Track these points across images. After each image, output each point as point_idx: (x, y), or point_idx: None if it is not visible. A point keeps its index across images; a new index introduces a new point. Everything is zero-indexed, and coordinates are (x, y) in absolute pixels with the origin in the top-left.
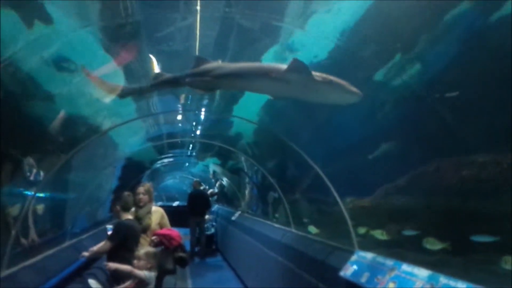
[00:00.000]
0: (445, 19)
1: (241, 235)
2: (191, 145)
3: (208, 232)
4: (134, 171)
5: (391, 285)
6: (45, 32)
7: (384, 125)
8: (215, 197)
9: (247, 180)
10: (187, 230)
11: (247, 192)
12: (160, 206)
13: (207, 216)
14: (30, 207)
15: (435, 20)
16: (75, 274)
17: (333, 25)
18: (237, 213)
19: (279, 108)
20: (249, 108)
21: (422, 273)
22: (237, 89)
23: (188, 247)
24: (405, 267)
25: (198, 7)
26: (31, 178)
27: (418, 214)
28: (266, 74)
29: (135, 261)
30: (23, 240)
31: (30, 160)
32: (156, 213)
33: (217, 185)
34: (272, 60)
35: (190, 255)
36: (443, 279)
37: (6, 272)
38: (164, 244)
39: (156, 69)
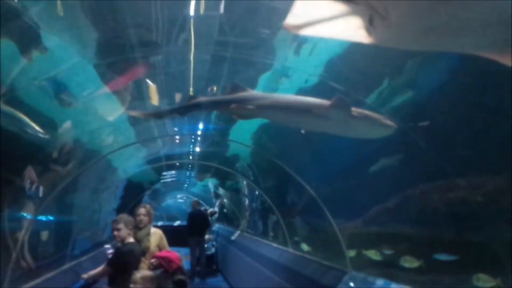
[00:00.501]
0: None
1: (241, 255)
2: (190, 167)
3: (209, 252)
4: (134, 192)
5: None
6: (42, 59)
7: (376, 148)
8: (215, 216)
9: (245, 200)
10: (189, 250)
11: (246, 211)
12: (161, 225)
13: (207, 236)
14: (29, 230)
15: None
16: None
17: (323, 52)
18: (237, 233)
19: (274, 130)
20: (245, 130)
21: None
22: (275, 121)
23: (188, 266)
24: (394, 286)
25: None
26: (31, 191)
27: (407, 235)
28: (309, 110)
29: (132, 285)
30: (23, 263)
31: (31, 172)
32: (155, 235)
33: (217, 204)
34: (266, 84)
35: (190, 275)
36: None
37: None
38: (163, 267)
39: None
